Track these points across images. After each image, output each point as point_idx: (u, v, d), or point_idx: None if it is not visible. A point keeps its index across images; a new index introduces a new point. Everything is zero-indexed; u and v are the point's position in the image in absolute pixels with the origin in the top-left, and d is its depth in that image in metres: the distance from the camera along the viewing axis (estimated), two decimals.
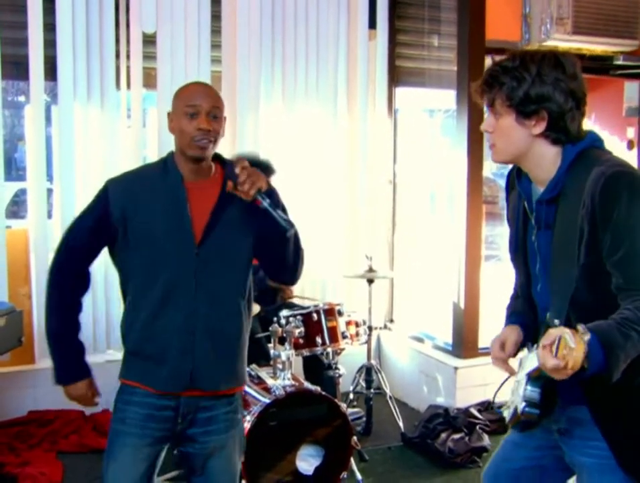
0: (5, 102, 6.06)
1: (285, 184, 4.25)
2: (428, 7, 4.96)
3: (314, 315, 3.65)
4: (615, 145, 4.56)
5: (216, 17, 4.49)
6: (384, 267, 4.86)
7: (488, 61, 4.11)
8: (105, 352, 4.33)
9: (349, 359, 4.20)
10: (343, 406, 3.48)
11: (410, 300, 5.25)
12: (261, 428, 3.06)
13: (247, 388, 3.21)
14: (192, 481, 2.20)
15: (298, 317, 3.63)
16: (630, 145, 4.64)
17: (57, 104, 4.26)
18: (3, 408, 4.10)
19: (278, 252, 2.13)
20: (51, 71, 4.16)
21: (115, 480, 2.11)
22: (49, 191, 4.41)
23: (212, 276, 2.07)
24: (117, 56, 4.30)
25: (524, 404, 1.62)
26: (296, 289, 4.40)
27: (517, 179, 1.90)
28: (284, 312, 3.66)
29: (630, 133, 4.65)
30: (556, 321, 1.65)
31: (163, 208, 2.07)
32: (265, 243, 2.12)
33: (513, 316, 1.97)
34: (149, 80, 4.42)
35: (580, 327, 1.49)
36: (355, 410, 4.25)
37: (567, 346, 1.44)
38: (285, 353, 3.34)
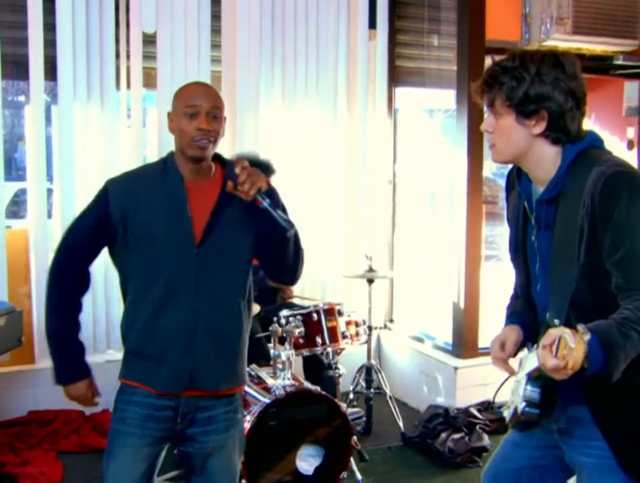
0: (5, 102, 6.06)
1: (285, 184, 4.25)
2: (428, 6, 4.96)
3: (314, 315, 3.65)
4: (615, 145, 4.56)
5: (216, 16, 4.49)
6: (383, 267, 4.86)
7: (488, 61, 4.10)
8: (105, 352, 4.33)
9: (349, 359, 4.20)
10: (343, 406, 3.48)
11: (410, 300, 5.25)
12: (262, 428, 3.06)
13: (247, 388, 3.21)
14: (191, 480, 2.20)
15: (298, 317, 3.63)
16: (630, 145, 4.64)
17: (57, 104, 4.26)
18: (3, 408, 4.10)
19: (278, 252, 2.13)
20: (51, 71, 4.16)
21: (115, 480, 2.11)
22: (49, 191, 4.41)
23: (213, 276, 2.07)
24: (117, 55, 4.30)
25: (524, 404, 1.62)
26: (296, 289, 4.40)
27: (517, 179, 1.90)
28: (284, 312, 3.66)
29: (630, 133, 4.65)
30: (556, 321, 1.65)
31: (163, 208, 2.07)
32: (265, 243, 2.12)
33: (513, 316, 1.97)
34: (149, 80, 4.42)
35: (580, 327, 1.49)
36: (355, 410, 4.25)
37: (567, 346, 1.44)
38: (285, 353, 3.34)
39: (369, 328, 4.06)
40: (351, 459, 3.38)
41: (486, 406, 4.26)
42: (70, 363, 2.17)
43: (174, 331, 2.05)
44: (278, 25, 4.65)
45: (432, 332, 4.88)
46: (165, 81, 4.36)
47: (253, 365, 3.49)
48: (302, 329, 3.60)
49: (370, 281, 4.18)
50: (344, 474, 3.28)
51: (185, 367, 2.06)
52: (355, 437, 3.43)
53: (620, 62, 4.46)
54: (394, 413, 4.22)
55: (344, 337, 3.73)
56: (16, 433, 3.95)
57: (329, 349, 3.68)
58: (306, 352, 3.66)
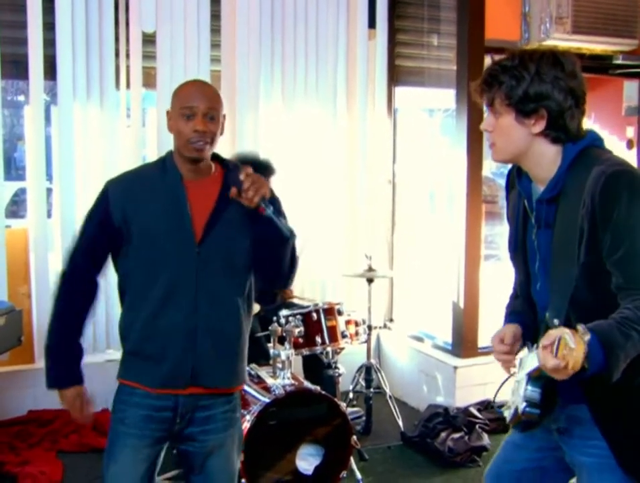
0: (4, 101, 6.06)
1: (285, 183, 4.25)
2: (427, 6, 4.96)
3: (314, 314, 3.65)
4: (614, 144, 4.56)
5: (215, 16, 4.49)
6: (383, 267, 4.86)
7: (488, 60, 4.10)
8: (105, 352, 4.32)
9: (348, 359, 4.19)
10: (343, 405, 3.48)
11: (410, 300, 5.25)
12: (261, 427, 3.06)
13: (246, 388, 3.21)
14: (191, 480, 2.20)
15: (298, 317, 3.63)
16: (629, 144, 4.64)
17: (56, 103, 4.25)
18: (3, 407, 4.10)
19: (274, 259, 2.11)
20: (50, 70, 4.16)
21: (116, 481, 2.10)
22: (49, 190, 4.41)
23: (213, 275, 2.07)
24: (117, 55, 4.30)
25: (524, 404, 1.62)
26: (296, 289, 4.40)
27: (517, 178, 1.90)
28: (284, 312, 3.66)
29: (630, 132, 4.65)
30: (556, 321, 1.65)
31: (163, 208, 2.07)
32: (261, 249, 2.10)
33: (512, 315, 1.96)
34: (149, 79, 4.41)
35: (580, 327, 1.49)
36: (355, 409, 4.25)
37: (567, 346, 1.44)
38: (285, 352, 3.34)
39: (369, 327, 4.06)
40: (351, 459, 3.38)
41: (486, 406, 4.26)
42: (60, 368, 2.13)
43: (174, 330, 2.05)
44: (278, 25, 4.65)
45: (432, 331, 4.88)
46: (164, 80, 4.36)
47: (253, 365, 3.48)
48: (301, 328, 3.60)
49: (370, 280, 4.18)
50: (344, 473, 3.28)
51: (186, 364, 2.05)
52: (354, 437, 3.42)
53: (619, 62, 4.46)
54: (394, 412, 4.22)
55: (344, 336, 3.73)
56: (16, 432, 3.95)
57: (329, 349, 3.68)
58: (305, 351, 3.66)
